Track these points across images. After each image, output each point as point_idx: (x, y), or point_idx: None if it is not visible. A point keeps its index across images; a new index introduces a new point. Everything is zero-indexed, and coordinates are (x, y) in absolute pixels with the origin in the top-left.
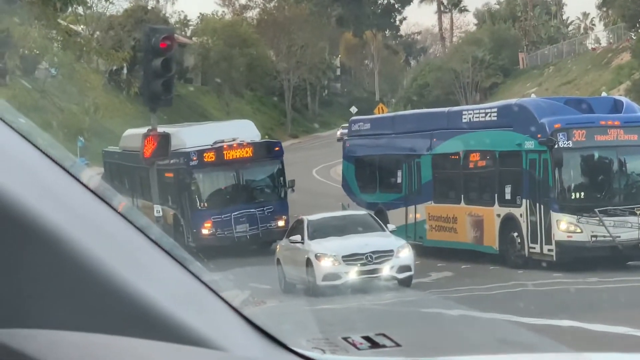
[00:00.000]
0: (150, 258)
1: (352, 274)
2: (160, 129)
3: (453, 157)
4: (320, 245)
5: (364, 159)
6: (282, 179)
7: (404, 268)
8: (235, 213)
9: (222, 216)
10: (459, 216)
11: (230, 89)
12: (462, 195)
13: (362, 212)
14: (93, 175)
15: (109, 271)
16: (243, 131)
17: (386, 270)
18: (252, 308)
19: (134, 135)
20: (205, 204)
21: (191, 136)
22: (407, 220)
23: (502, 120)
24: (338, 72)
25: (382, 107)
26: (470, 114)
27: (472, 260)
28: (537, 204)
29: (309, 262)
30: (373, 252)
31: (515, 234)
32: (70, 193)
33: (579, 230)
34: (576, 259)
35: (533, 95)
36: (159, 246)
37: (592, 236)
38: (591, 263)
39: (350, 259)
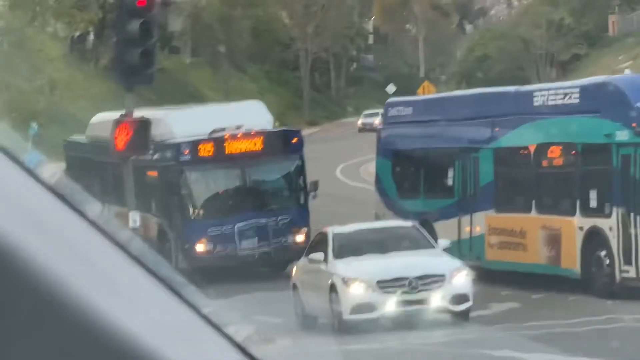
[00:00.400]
0: (132, 281)
1: (391, 304)
2: (139, 113)
3: (521, 151)
4: (349, 266)
5: (404, 155)
6: (301, 179)
7: (460, 298)
8: (240, 224)
9: (223, 228)
10: (528, 229)
11: (229, 62)
12: (533, 202)
13: (405, 223)
14: (53, 172)
15: (78, 299)
16: (250, 116)
17: (436, 299)
18: (260, 347)
19: (105, 121)
20: (201, 212)
21: (182, 123)
22: (460, 234)
23: (586, 103)
24: (370, 39)
25: (428, 86)
26: (545, 95)
27: (545, 286)
28: (632, 214)
29: (333, 289)
30: (419, 277)
31: (603, 253)
32: (25, 197)
33: None
34: None
35: (627, 72)
36: (143, 266)
37: None
38: None
39: (388, 285)
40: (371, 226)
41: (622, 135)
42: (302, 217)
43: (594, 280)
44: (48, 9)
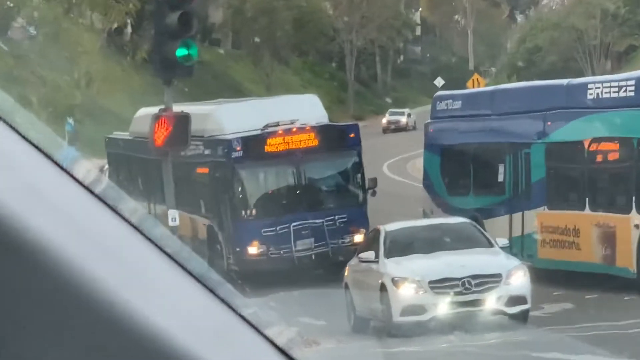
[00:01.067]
0: (167, 280)
1: (443, 306)
2: (182, 107)
3: (574, 146)
4: (400, 265)
5: (452, 150)
6: (359, 176)
7: (516, 299)
8: (296, 224)
9: (277, 229)
10: (582, 227)
11: (271, 54)
12: (587, 199)
13: (462, 220)
14: (89, 170)
15: (112, 297)
16: (305, 110)
17: (491, 301)
18: (302, 350)
19: (149, 116)
20: (253, 212)
21: (233, 117)
22: (511, 232)
23: None
24: (418, 31)
25: (477, 79)
26: (599, 87)
27: (599, 286)
28: None
29: (383, 289)
30: (473, 277)
31: None
32: (60, 195)
33: None
34: None
35: None
36: (179, 264)
37: None
38: None
39: (440, 285)
40: (426, 223)
41: None
42: (360, 216)
43: None
44: (84, 0)
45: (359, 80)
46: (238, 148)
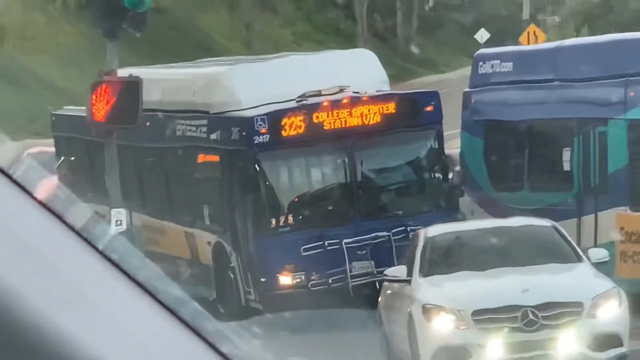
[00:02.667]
0: (116, 297)
1: (495, 348)
2: (171, 69)
3: None
4: (437, 288)
5: (501, 129)
6: (441, 168)
7: (607, 339)
8: (349, 240)
9: (322, 247)
10: None
11: None
12: None
13: (539, 222)
14: (14, 155)
15: (45, 319)
16: (357, 72)
17: (568, 341)
18: None
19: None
20: (286, 223)
21: (253, 84)
22: (580, 239)
23: None
24: None
25: (535, 32)
26: None
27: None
28: None
29: (411, 321)
30: (540, 306)
31: None
32: None
33: None
34: None
35: None
36: (129, 277)
37: None
38: None
39: (490, 317)
40: (488, 226)
41: None
42: None
43: None
44: None
45: (373, 33)
46: (263, 130)
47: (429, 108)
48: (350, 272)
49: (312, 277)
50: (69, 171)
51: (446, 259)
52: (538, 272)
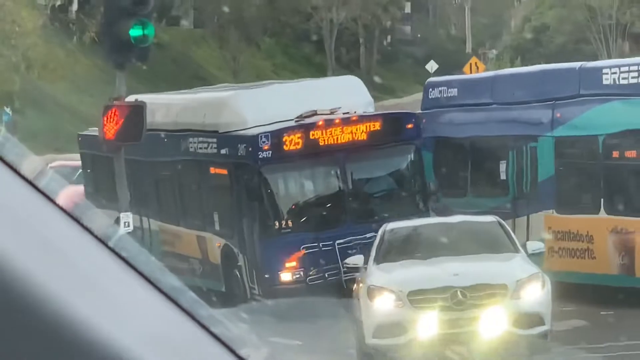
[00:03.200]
0: (122, 287)
1: (427, 323)
2: (191, 95)
3: (588, 140)
4: (383, 273)
5: (447, 144)
6: (420, 178)
7: (529, 318)
8: (341, 241)
9: (318, 247)
10: (596, 233)
11: (239, 34)
12: (602, 201)
13: (485, 219)
14: (36, 166)
15: (60, 306)
16: (346, 96)
17: (493, 319)
18: None
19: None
20: (287, 226)
21: (256, 106)
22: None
23: None
24: (408, 8)
25: (476, 63)
26: (616, 72)
27: (617, 301)
28: None
29: (359, 301)
30: (468, 288)
31: None
32: (6, 192)
33: None
34: None
35: None
36: (135, 269)
37: None
38: None
39: (423, 297)
40: (438, 221)
41: None
42: None
43: None
44: None
45: (340, 64)
46: (266, 146)
47: (409, 126)
48: (343, 270)
49: (309, 272)
50: (90, 182)
51: (398, 249)
52: (472, 260)
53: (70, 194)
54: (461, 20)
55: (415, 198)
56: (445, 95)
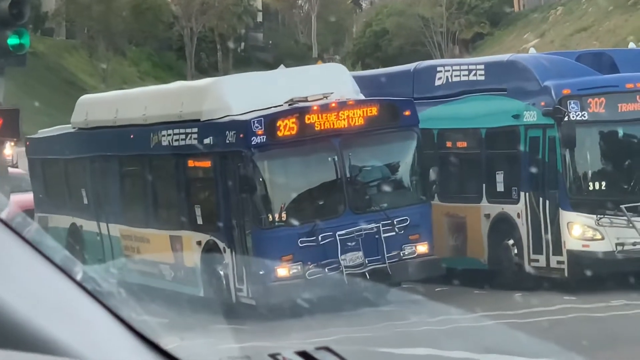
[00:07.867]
0: (11, 256)
1: None
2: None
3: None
4: None
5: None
6: (418, 165)
7: None
8: (341, 232)
9: (315, 239)
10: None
11: (107, 44)
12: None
13: None
14: None
15: None
16: (335, 82)
17: None
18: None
19: (98, 101)
20: (281, 218)
21: (242, 92)
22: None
23: (492, 80)
24: (259, 17)
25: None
26: (449, 71)
27: (444, 279)
28: (541, 200)
29: None
30: None
31: (511, 242)
32: None
33: (599, 236)
34: (595, 275)
35: (532, 51)
36: (15, 232)
37: (617, 244)
38: (616, 281)
39: None
40: None
41: (530, 116)
42: (423, 219)
43: (502, 271)
44: None
45: (199, 69)
46: (259, 131)
47: (407, 112)
48: (343, 262)
49: (306, 267)
50: (40, 188)
51: None
52: None
53: None
54: (308, 28)
55: (413, 187)
56: None
